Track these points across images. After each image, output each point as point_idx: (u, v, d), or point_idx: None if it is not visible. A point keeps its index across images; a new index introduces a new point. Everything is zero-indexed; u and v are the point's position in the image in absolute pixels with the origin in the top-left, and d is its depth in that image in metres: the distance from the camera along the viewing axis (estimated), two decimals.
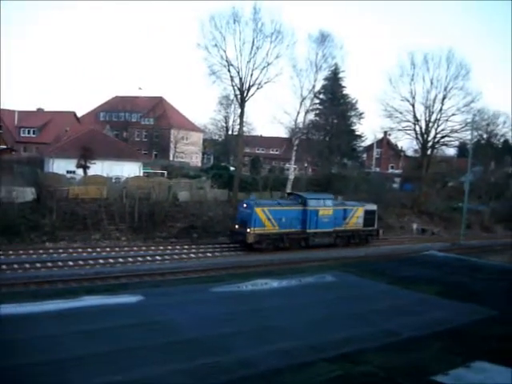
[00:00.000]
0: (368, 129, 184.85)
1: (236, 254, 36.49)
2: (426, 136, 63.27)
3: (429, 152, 65.12)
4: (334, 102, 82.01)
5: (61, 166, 49.80)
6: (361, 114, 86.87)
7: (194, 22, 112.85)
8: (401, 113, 63.48)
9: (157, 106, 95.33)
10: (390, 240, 48.12)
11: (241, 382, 13.74)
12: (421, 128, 63.21)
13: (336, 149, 78.61)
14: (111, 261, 31.26)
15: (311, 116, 72.27)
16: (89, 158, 47.46)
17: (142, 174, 54.94)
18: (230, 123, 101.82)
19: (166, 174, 59.64)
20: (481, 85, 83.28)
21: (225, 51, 48.89)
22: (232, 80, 49.89)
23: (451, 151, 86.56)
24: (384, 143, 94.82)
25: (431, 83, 61.47)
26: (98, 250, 34.08)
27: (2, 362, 13.79)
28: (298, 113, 55.35)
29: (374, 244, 44.24)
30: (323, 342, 17.04)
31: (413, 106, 62.70)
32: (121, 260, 31.67)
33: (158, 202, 42.33)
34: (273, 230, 37.21)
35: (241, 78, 49.37)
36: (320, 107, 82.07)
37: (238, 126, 59.36)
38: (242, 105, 52.04)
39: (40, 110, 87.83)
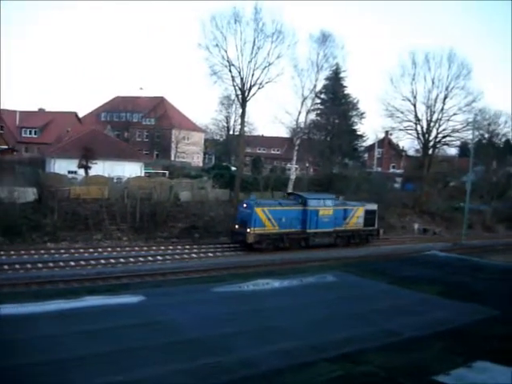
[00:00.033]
0: (369, 129, 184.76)
1: (237, 254, 36.50)
2: (427, 136, 63.23)
3: (430, 152, 65.08)
4: (335, 101, 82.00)
5: (62, 167, 49.82)
6: (362, 113, 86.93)
7: (194, 22, 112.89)
8: (402, 112, 63.54)
9: (158, 106, 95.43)
10: (391, 240, 48.10)
11: (242, 382, 13.75)
12: (422, 128, 63.26)
13: (337, 149, 78.59)
14: (113, 261, 31.28)
15: (312, 116, 72.46)
16: (90, 159, 47.46)
17: (143, 174, 54.95)
18: (232, 123, 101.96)
19: (167, 174, 59.66)
20: (482, 84, 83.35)
21: (226, 51, 48.85)
22: (233, 80, 49.86)
23: (453, 151, 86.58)
24: (385, 143, 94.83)
25: (432, 83, 61.53)
26: (100, 250, 34.11)
27: (4, 362, 13.80)
28: (300, 113, 55.40)
29: (374, 244, 44.22)
30: (324, 342, 17.04)
31: (414, 105, 62.77)
32: (122, 260, 31.70)
33: (159, 202, 42.35)
34: (273, 230, 37.18)
35: (242, 78, 49.33)
36: (321, 107, 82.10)
37: (240, 126, 59.32)
38: (243, 105, 51.98)
39: (41, 111, 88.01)
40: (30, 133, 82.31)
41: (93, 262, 30.61)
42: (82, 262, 30.13)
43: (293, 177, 57.01)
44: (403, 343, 17.58)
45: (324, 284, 26.67)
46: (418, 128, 63.49)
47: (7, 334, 15.91)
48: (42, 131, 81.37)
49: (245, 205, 37.28)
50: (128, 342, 15.78)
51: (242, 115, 54.31)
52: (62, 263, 29.59)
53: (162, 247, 36.57)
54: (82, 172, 48.07)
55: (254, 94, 50.29)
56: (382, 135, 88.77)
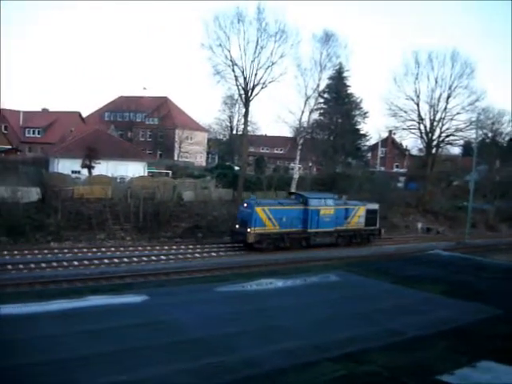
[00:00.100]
0: (372, 128, 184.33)
1: (240, 253, 36.46)
2: (430, 135, 63.10)
3: (433, 151, 64.91)
4: (338, 101, 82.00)
5: (66, 166, 49.94)
6: (365, 113, 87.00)
7: (198, 21, 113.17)
8: (405, 112, 63.43)
9: (161, 106, 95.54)
10: (394, 239, 48.02)
11: (245, 381, 13.75)
12: (425, 127, 63.11)
13: (340, 148, 78.57)
14: (116, 261, 31.30)
15: (316, 115, 72.38)
16: (94, 158, 47.57)
17: (146, 174, 55.03)
18: (235, 123, 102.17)
19: (170, 173, 59.72)
20: (485, 83, 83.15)
21: (229, 51, 48.94)
22: (236, 80, 49.95)
23: (456, 150, 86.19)
24: (389, 142, 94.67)
25: (436, 82, 61.38)
26: (103, 249, 34.15)
27: (5, 362, 13.83)
28: (303, 112, 55.38)
29: (376, 243, 44.07)
30: (327, 341, 17.04)
31: (417, 104, 62.63)
32: (126, 260, 31.72)
33: (162, 202, 42.36)
34: (273, 230, 37.08)
35: (245, 78, 49.39)
36: (324, 106, 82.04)
37: (243, 126, 59.59)
38: (246, 104, 52.03)
39: (45, 111, 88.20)
40: (34, 133, 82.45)
41: (96, 261, 30.64)
42: (86, 262, 30.17)
43: (296, 176, 57.01)
44: (407, 343, 17.56)
45: (327, 284, 26.65)
46: (422, 127, 63.46)
47: (10, 334, 15.95)
48: (46, 131, 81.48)
49: (245, 204, 37.23)
50: (131, 342, 15.80)
51: (245, 115, 54.42)
52: (65, 263, 29.61)
53: (166, 247, 36.57)
54: (85, 172, 48.18)
55: (257, 94, 50.46)
56: (385, 134, 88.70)
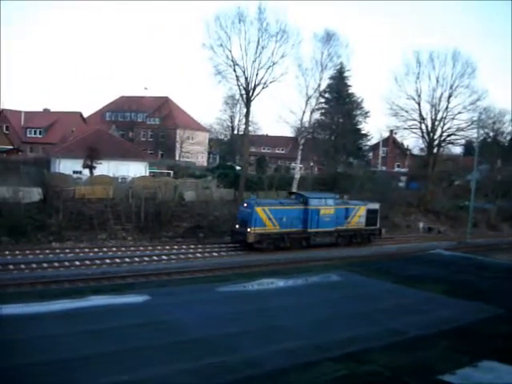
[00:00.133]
0: (374, 127, 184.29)
1: (241, 253, 36.45)
2: (431, 134, 63.07)
3: (435, 150, 64.88)
4: (339, 101, 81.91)
5: (67, 166, 49.95)
6: (366, 112, 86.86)
7: (199, 21, 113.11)
8: (406, 111, 63.37)
9: (163, 106, 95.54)
10: (395, 239, 48.01)
11: (247, 381, 13.76)
12: (427, 126, 63.06)
13: (342, 148, 78.53)
14: (118, 260, 31.34)
15: (317, 115, 72.16)
16: (95, 158, 47.57)
17: (147, 174, 55.02)
18: (236, 123, 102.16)
19: (171, 173, 59.69)
20: (486, 83, 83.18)
21: (230, 51, 48.89)
22: (237, 80, 49.88)
23: (457, 149, 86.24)
24: (390, 142, 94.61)
25: (437, 81, 61.29)
26: (105, 249, 34.18)
27: (8, 361, 13.85)
28: (304, 112, 55.28)
29: (377, 243, 44.04)
30: (329, 341, 17.05)
31: (418, 104, 62.58)
32: (127, 260, 31.75)
33: (164, 202, 42.39)
34: (273, 230, 37.04)
35: (246, 78, 49.34)
36: (326, 106, 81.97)
37: (244, 126, 59.47)
38: (247, 104, 52.01)
39: (46, 111, 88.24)
40: (35, 133, 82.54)
41: (98, 261, 30.67)
42: (87, 262, 30.20)
43: (297, 176, 56.99)
44: (408, 342, 17.56)
45: (328, 283, 26.64)
46: (423, 127, 63.41)
47: (11, 334, 15.96)
48: (47, 131, 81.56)
49: (245, 204, 37.22)
50: (133, 342, 15.82)
51: (247, 115, 54.35)
52: (67, 263, 29.66)
53: (167, 247, 36.60)
54: (86, 172, 48.18)
55: (258, 94, 50.39)
56: (386, 134, 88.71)
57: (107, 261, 31.01)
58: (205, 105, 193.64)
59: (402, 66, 64.89)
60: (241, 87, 50.45)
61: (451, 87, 60.76)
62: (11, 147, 70.05)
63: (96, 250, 33.86)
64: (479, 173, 62.40)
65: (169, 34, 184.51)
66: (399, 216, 56.32)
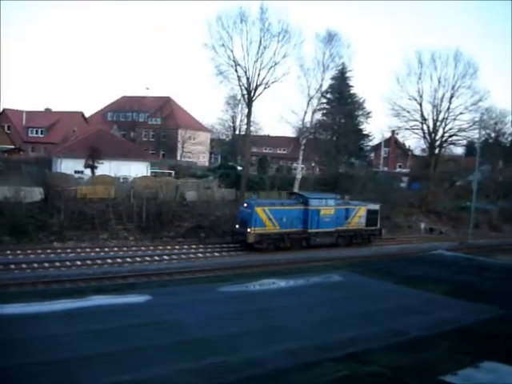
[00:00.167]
0: (375, 128, 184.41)
1: (242, 253, 36.46)
2: (433, 135, 63.02)
3: (436, 151, 64.87)
4: (341, 101, 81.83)
5: (69, 166, 49.96)
6: (368, 113, 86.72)
7: (200, 21, 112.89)
8: (408, 112, 63.30)
9: (164, 106, 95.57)
10: (397, 239, 48.00)
11: (248, 381, 13.75)
12: (428, 127, 63.05)
13: (343, 148, 78.47)
14: (119, 260, 31.35)
15: (318, 115, 72.22)
16: (96, 158, 47.57)
17: (149, 174, 55.01)
18: (238, 123, 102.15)
19: (173, 173, 59.68)
20: (486, 83, 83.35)
21: (232, 51, 48.88)
22: (239, 80, 49.87)
23: (459, 150, 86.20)
24: (391, 142, 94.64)
25: (439, 82, 61.25)
26: (106, 249, 34.18)
27: (9, 361, 13.86)
28: (306, 112, 55.33)
29: (377, 244, 44.04)
30: (330, 341, 17.04)
31: (420, 104, 62.53)
32: (128, 260, 31.76)
33: (165, 202, 42.41)
34: (273, 230, 37.01)
35: (248, 78, 49.33)
36: (327, 107, 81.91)
37: (246, 126, 59.26)
38: (249, 104, 51.98)
39: (48, 110, 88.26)
40: (37, 132, 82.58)
41: (99, 261, 30.68)
42: (89, 262, 30.22)
43: (299, 176, 57.00)
44: (409, 343, 17.54)
45: (330, 284, 26.63)
46: (425, 127, 63.38)
47: (12, 334, 15.97)
48: (49, 131, 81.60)
49: (245, 204, 37.21)
50: (134, 342, 15.82)
51: (248, 115, 54.30)
52: (68, 263, 29.66)
53: (169, 247, 36.61)
54: (88, 172, 48.19)
55: (259, 94, 50.39)
56: (388, 135, 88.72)
57: (109, 261, 31.03)
58: (206, 105, 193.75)
59: (403, 66, 65.08)
60: (242, 87, 50.50)
61: (453, 88, 60.77)
62: (13, 147, 70.17)
63: (97, 249, 33.87)
64: (481, 173, 62.45)
65: (170, 34, 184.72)
66: (401, 216, 56.32)
